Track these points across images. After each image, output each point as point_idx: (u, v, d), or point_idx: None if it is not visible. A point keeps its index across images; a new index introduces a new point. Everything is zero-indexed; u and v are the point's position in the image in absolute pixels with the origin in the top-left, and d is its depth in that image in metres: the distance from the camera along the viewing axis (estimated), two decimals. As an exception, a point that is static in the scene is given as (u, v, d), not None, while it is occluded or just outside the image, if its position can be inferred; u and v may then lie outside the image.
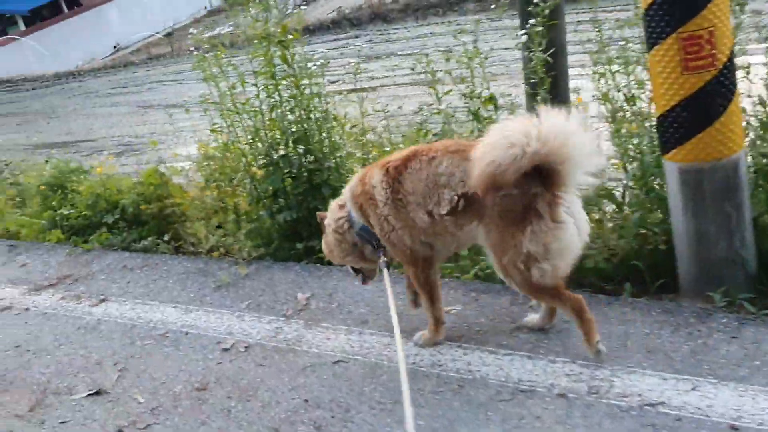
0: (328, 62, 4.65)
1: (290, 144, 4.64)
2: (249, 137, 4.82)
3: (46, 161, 8.02)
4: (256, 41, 4.51)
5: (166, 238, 5.49)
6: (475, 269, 3.95)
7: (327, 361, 3.47)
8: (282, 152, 4.66)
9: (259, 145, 4.80)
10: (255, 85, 4.56)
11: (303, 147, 4.63)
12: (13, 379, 4.01)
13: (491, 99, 4.07)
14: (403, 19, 17.78)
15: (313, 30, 19.06)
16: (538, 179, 2.70)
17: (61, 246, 5.97)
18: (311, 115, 4.65)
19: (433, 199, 2.98)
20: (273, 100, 4.62)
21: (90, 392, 3.68)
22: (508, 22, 5.66)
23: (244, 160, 4.89)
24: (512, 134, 2.60)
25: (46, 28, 24.49)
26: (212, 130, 5.06)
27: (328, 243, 3.45)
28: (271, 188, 4.72)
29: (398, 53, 14.66)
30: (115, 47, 29.65)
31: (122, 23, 28.39)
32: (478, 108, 4.07)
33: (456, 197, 2.90)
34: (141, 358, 3.90)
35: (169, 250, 5.42)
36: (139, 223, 5.78)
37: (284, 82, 4.58)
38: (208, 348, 3.83)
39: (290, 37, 4.45)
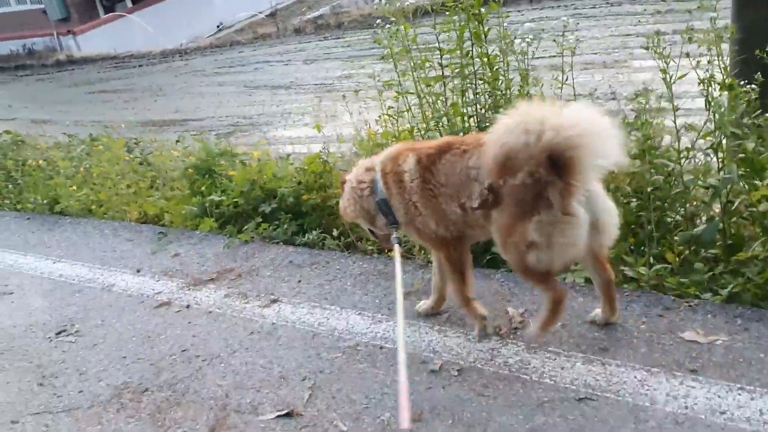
0: (537, 38, 4.18)
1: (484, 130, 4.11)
2: (430, 123, 4.40)
3: (177, 141, 7.90)
4: (447, 12, 4.24)
5: (335, 233, 5.16)
6: (730, 287, 3.54)
7: (568, 397, 3.08)
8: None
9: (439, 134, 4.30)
10: (440, 64, 4.08)
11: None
12: (185, 390, 3.74)
13: (731, 86, 3.64)
14: (515, 2, 17.11)
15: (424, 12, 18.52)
16: (553, 168, 2.75)
17: (214, 236, 5.76)
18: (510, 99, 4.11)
19: (465, 192, 3.11)
20: (465, 82, 4.22)
21: (279, 413, 3.37)
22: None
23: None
24: (527, 120, 2.68)
25: (152, 6, 25.24)
26: (389, 115, 4.93)
27: (345, 199, 3.69)
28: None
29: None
30: (218, 26, 30.25)
31: (226, 2, 28.72)
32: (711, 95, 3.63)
33: (485, 191, 3.01)
34: (332, 374, 3.59)
35: (338, 247, 5.09)
36: (298, 215, 5.48)
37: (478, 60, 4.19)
38: (412, 368, 3.38)
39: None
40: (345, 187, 3.66)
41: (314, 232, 5.20)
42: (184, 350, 4.10)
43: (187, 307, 4.63)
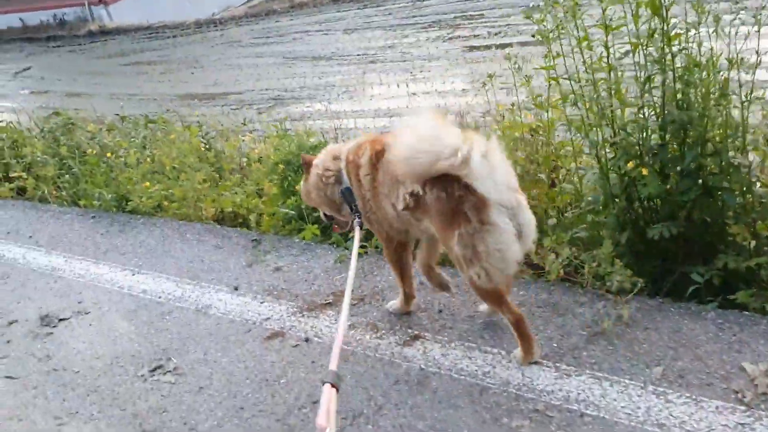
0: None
1: (667, 129, 3.59)
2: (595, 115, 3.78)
3: (244, 123, 8.04)
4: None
5: None
6: None
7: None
8: (656, 139, 3.66)
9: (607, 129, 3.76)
10: (605, 46, 3.62)
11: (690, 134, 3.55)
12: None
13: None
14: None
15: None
16: (462, 181, 2.91)
17: (317, 246, 5.12)
18: (697, 90, 3.47)
19: (394, 194, 3.28)
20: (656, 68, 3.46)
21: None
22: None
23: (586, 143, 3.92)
24: (422, 144, 2.90)
25: (181, -26, 25.02)
26: (537, 105, 4.27)
27: (309, 184, 3.77)
28: (650, 191, 3.59)
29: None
30: (250, -6, 30.09)
31: (258, -31, 28.67)
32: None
33: (407, 195, 3.16)
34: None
35: None
36: None
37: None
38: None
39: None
40: (310, 170, 3.75)
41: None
42: (315, 401, 3.36)
43: (306, 340, 3.93)
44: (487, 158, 2.86)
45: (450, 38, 13.96)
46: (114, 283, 5.12)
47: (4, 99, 16.69)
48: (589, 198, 3.99)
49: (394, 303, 3.94)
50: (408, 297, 3.84)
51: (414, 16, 16.73)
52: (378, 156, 3.37)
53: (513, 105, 4.83)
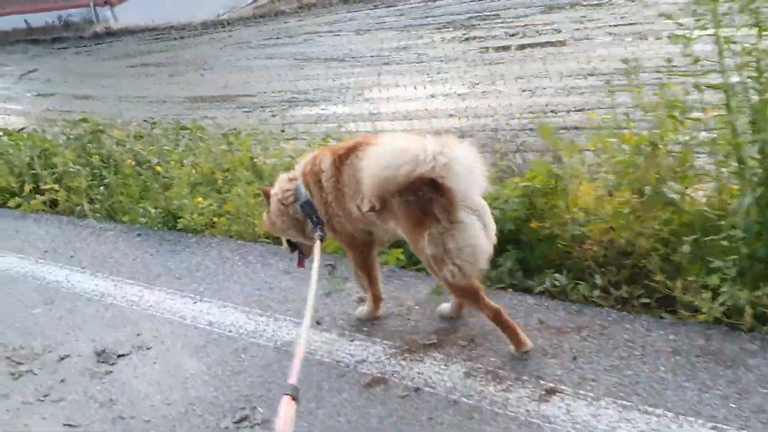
0: None
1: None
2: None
3: (282, 130, 7.86)
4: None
5: (596, 280, 3.88)
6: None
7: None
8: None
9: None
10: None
11: None
12: None
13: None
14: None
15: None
16: (432, 185, 3.07)
17: (404, 273, 4.58)
18: None
19: (359, 196, 3.41)
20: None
21: None
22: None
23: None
24: (402, 154, 2.99)
25: (186, -27, 25.12)
26: (672, 117, 3.70)
27: (271, 213, 3.93)
28: None
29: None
30: (255, -5, 30.20)
31: (263, -31, 28.80)
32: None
33: (374, 198, 3.28)
34: None
35: (610, 302, 3.77)
36: (518, 245, 4.23)
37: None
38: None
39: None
40: (271, 200, 3.93)
41: (555, 276, 3.97)
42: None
43: (416, 390, 3.41)
44: (467, 159, 3.04)
45: (466, 39, 13.95)
46: (174, 313, 4.65)
47: (11, 101, 16.76)
48: (738, 225, 3.42)
49: (363, 309, 4.06)
50: (377, 300, 3.96)
51: (427, 17, 16.72)
52: (341, 158, 3.54)
53: (614, 112, 4.29)
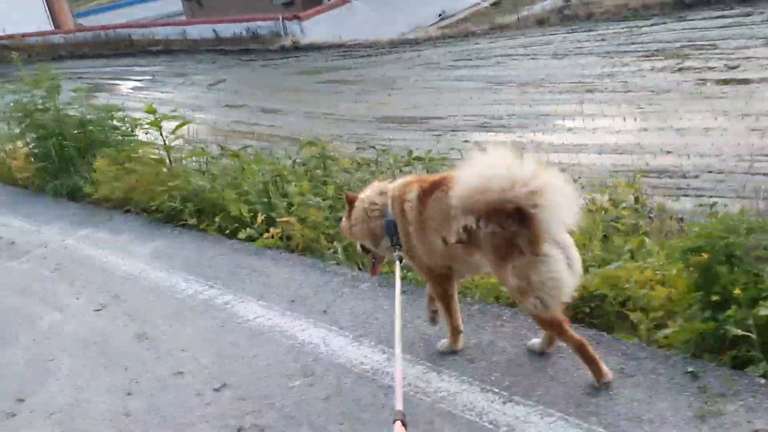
0: None
1: None
2: None
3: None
4: None
5: None
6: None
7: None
8: None
9: None
10: None
11: None
12: None
13: None
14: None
15: (690, 4, 17.79)
16: (517, 217, 3.17)
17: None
18: None
19: (446, 227, 3.57)
20: None
21: None
22: None
23: None
24: (491, 172, 3.15)
25: (374, -8, 26.06)
26: None
27: (352, 218, 4.12)
28: None
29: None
30: (440, 15, 30.87)
31: (449, -11, 29.47)
32: None
33: (461, 229, 3.44)
34: None
35: None
36: None
37: None
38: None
39: None
40: (355, 205, 4.12)
41: None
42: None
43: None
44: (563, 190, 3.15)
45: (679, 69, 13.53)
46: (480, 414, 3.59)
47: (200, 111, 18.07)
48: None
49: (444, 342, 4.16)
50: (455, 331, 4.08)
51: (632, 43, 16.37)
52: (426, 192, 3.74)
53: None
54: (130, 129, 8.49)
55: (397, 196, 3.91)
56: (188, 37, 28.44)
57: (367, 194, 4.10)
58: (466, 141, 12.06)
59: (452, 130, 12.85)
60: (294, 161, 7.50)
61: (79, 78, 25.90)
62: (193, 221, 6.95)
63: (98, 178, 7.82)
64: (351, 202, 4.16)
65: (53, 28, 40.22)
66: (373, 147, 8.18)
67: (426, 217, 3.73)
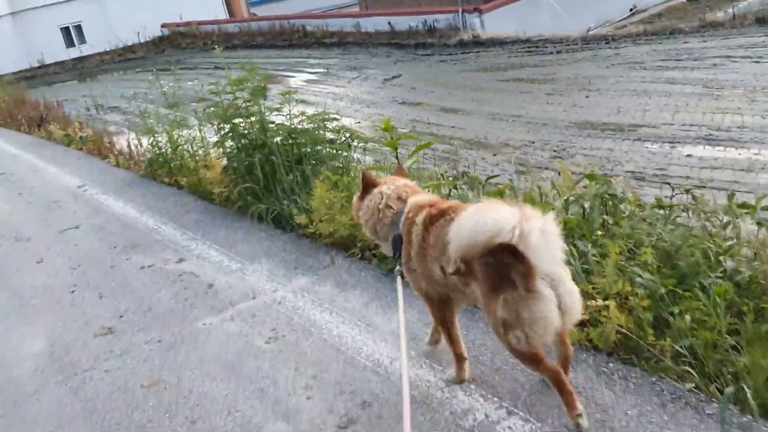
0: None
1: None
2: None
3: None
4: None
5: None
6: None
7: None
8: None
9: None
10: None
11: None
12: None
13: None
14: None
15: None
16: (512, 251, 3.18)
17: None
18: None
19: (445, 257, 3.58)
20: None
21: None
22: None
23: None
24: (487, 222, 3.18)
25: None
26: None
27: (364, 205, 4.07)
28: None
29: None
30: (631, 9, 29.06)
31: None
32: None
33: (459, 259, 3.47)
34: None
35: None
36: None
37: None
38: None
39: None
40: (371, 191, 4.04)
41: None
42: None
43: None
44: (543, 233, 3.09)
45: None
46: None
47: (375, 107, 17.29)
48: None
49: (451, 374, 4.06)
50: (460, 359, 3.99)
51: None
52: (432, 219, 3.70)
53: None
54: (346, 142, 7.24)
55: (409, 216, 3.87)
56: (362, 29, 28.08)
57: (387, 191, 4.02)
58: (688, 156, 10.49)
59: (669, 142, 11.25)
60: (566, 201, 4.95)
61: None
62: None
63: (316, 206, 6.10)
64: (368, 186, 4.09)
65: (228, 17, 41.43)
66: (670, 185, 5.35)
67: (427, 245, 3.73)
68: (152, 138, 9.24)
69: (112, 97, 23.91)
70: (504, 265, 3.24)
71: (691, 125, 11.81)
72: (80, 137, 12.61)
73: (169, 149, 9.10)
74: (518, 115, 14.52)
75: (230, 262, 6.15)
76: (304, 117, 7.03)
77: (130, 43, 38.26)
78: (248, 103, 6.97)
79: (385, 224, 3.98)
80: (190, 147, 8.96)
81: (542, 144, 12.34)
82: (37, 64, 37.21)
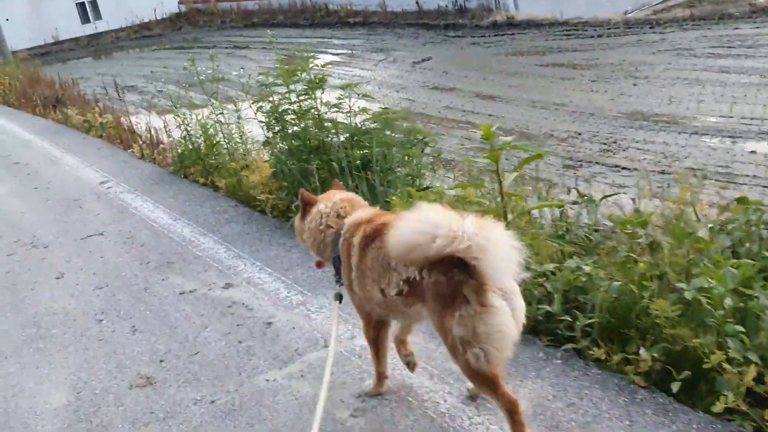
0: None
1: None
2: None
3: None
4: None
5: None
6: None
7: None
8: None
9: None
10: None
11: None
12: None
13: None
14: None
15: None
16: (463, 266, 3.16)
17: None
18: None
19: (384, 280, 3.53)
20: None
21: None
22: None
23: None
24: (425, 226, 3.13)
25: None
26: None
27: (305, 225, 4.02)
28: None
29: None
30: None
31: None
32: None
33: (402, 281, 3.43)
34: None
35: None
36: None
37: None
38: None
39: None
40: (311, 210, 3.99)
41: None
42: None
43: None
44: (502, 245, 3.06)
45: None
46: None
47: (404, 91, 16.66)
48: None
49: (368, 384, 4.11)
50: (381, 377, 4.02)
51: None
52: (367, 240, 3.63)
53: None
54: (420, 146, 6.34)
55: (347, 237, 3.81)
56: (388, 8, 27.36)
57: (325, 210, 3.95)
58: (752, 152, 9.83)
59: (729, 136, 10.56)
60: (714, 228, 4.09)
61: (273, 48, 25.44)
62: (599, 353, 3.84)
63: None
64: (307, 205, 4.04)
65: (247, -6, 40.71)
66: None
67: (365, 267, 3.66)
68: (183, 129, 8.33)
69: (129, 76, 23.35)
70: (455, 282, 3.22)
71: (752, 118, 11.10)
72: (100, 123, 11.96)
73: (203, 144, 8.23)
74: (561, 103, 13.83)
75: (289, 293, 5.27)
76: (367, 114, 6.16)
77: (146, 20, 37.78)
78: (303, 98, 6.14)
79: (328, 244, 3.96)
80: (226, 141, 8.06)
81: (590, 136, 11.67)
82: (52, 41, 36.79)
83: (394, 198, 5.32)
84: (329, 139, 6.09)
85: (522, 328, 3.28)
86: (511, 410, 3.35)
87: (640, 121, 12.03)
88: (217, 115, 8.00)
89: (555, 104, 13.83)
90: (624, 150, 10.83)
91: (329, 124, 6.08)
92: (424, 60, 19.90)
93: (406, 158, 6.13)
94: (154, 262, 6.19)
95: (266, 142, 6.73)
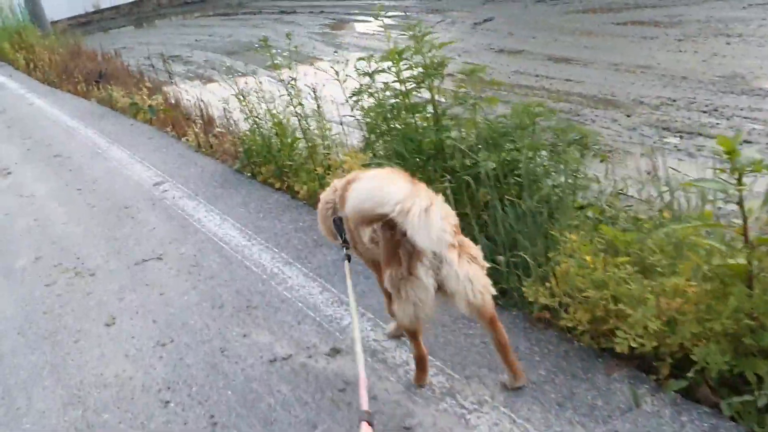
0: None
1: None
2: None
3: None
4: None
5: None
6: None
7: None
8: None
9: None
10: None
11: None
12: None
13: None
14: None
15: None
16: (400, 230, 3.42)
17: None
18: None
19: (361, 228, 3.90)
20: None
21: None
22: None
23: None
24: (373, 193, 3.36)
25: None
26: None
27: (318, 216, 4.48)
28: None
29: None
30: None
31: None
32: None
33: (372, 229, 3.80)
34: None
35: None
36: None
37: None
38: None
39: None
40: (319, 204, 4.43)
41: None
42: None
43: None
44: (426, 213, 3.23)
45: None
46: None
47: (466, 55, 15.67)
48: None
49: (390, 327, 4.55)
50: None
51: None
52: (343, 190, 4.04)
53: None
54: (577, 148, 4.99)
55: (342, 194, 4.04)
56: (442, -35, 26.16)
57: (325, 192, 4.40)
58: None
59: None
60: None
61: (321, 12, 24.59)
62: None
63: (561, 274, 4.07)
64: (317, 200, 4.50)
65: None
66: None
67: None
68: (252, 121, 7.30)
69: (172, 45, 22.65)
70: (395, 242, 3.49)
71: None
72: (149, 107, 11.15)
73: (275, 138, 7.15)
74: (647, 65, 12.73)
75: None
76: (495, 106, 5.04)
77: (188, -15, 37.09)
78: (421, 86, 5.08)
79: (329, 216, 4.39)
80: (306, 139, 6.91)
81: (686, 103, 10.63)
82: (92, 9, 36.30)
83: (572, 237, 4.16)
84: (450, 142, 5.04)
85: (474, 294, 3.47)
86: (419, 359, 3.94)
87: (741, 86, 10.94)
88: (295, 107, 6.83)
89: (640, 66, 12.73)
90: (728, 119, 9.82)
91: (451, 121, 5.13)
92: (486, 20, 18.81)
93: (562, 166, 4.85)
94: (230, 306, 5.16)
95: (367, 146, 5.77)
